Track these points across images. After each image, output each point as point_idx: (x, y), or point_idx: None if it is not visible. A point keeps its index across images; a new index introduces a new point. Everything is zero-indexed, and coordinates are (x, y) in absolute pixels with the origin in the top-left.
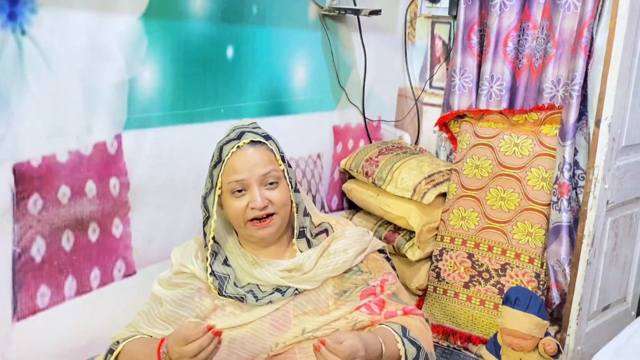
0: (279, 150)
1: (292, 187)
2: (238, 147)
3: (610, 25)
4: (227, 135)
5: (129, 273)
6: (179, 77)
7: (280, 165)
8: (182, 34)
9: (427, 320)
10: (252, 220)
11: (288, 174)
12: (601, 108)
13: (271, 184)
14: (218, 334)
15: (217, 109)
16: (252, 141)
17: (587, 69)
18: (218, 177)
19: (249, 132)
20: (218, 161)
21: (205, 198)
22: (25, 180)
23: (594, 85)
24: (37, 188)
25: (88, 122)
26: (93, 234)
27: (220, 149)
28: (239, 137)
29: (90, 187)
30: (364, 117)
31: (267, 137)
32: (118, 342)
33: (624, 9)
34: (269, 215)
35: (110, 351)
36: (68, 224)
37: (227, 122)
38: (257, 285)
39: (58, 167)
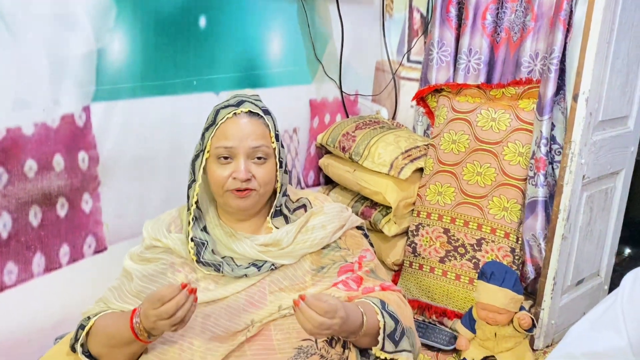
0: (275, 127)
1: (280, 167)
2: (235, 113)
3: None
4: (227, 101)
5: (100, 249)
6: (149, 48)
7: (273, 142)
8: (152, 2)
9: (405, 297)
10: (231, 190)
11: (279, 154)
12: (579, 82)
13: (259, 158)
14: (193, 291)
15: (190, 80)
16: (250, 111)
17: (565, 43)
18: (208, 140)
19: (249, 102)
20: (212, 124)
21: (194, 161)
22: None
23: (572, 59)
24: (2, 162)
25: (54, 93)
26: (62, 209)
27: (217, 112)
28: (238, 104)
29: (58, 160)
30: (341, 91)
31: (267, 112)
32: (89, 318)
33: None
34: (247, 189)
35: (82, 327)
36: (35, 199)
37: (199, 95)
38: (233, 259)
39: (24, 140)
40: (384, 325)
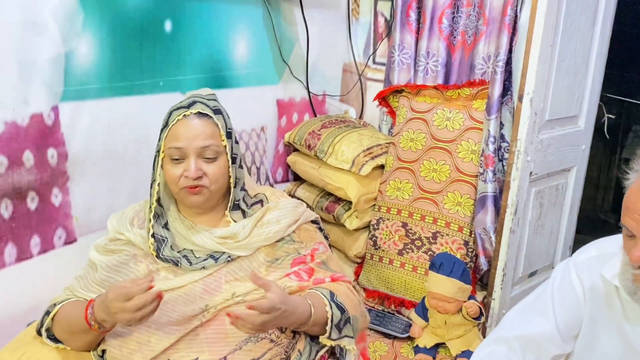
0: (226, 126)
1: (233, 163)
2: (185, 115)
3: (532, 2)
4: (181, 102)
5: (70, 241)
6: (116, 50)
7: (223, 140)
8: (118, 7)
9: (355, 287)
10: (184, 187)
11: (232, 150)
12: (524, 83)
13: (209, 157)
14: (160, 296)
15: (156, 81)
16: (199, 112)
17: (511, 46)
18: (162, 141)
19: (200, 102)
20: (165, 125)
21: (154, 160)
22: None
23: (518, 62)
24: None
25: (24, 94)
26: (32, 203)
27: (170, 114)
28: (189, 106)
29: (28, 157)
30: (308, 92)
31: (217, 112)
32: (55, 305)
33: None
34: (199, 186)
35: (47, 313)
36: (6, 193)
37: (166, 95)
38: (192, 251)
39: None
40: (332, 316)
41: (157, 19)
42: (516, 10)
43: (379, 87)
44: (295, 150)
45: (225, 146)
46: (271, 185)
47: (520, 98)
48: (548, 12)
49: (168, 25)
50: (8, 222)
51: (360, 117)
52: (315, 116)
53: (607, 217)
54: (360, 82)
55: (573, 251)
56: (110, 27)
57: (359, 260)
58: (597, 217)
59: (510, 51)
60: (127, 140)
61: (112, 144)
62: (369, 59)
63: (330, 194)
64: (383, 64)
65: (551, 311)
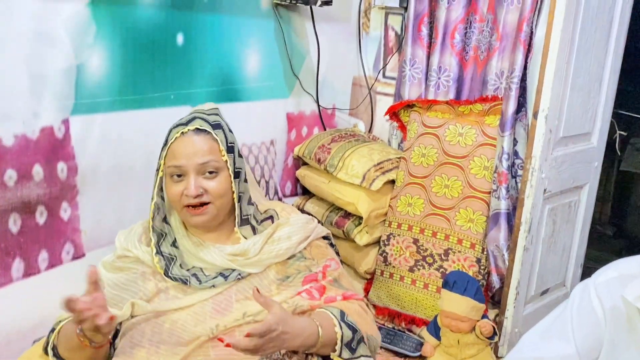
0: (226, 140)
1: (237, 177)
2: (182, 132)
3: (548, 19)
4: (181, 119)
5: (78, 255)
6: (127, 63)
7: (224, 155)
8: (130, 20)
9: (367, 305)
10: (187, 206)
11: (234, 165)
12: (539, 100)
13: (210, 172)
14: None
15: (167, 95)
16: (197, 128)
17: (526, 62)
18: (162, 159)
19: (200, 118)
20: (164, 144)
21: (154, 178)
22: None
23: (533, 78)
24: None
25: (34, 107)
26: (41, 217)
27: (169, 132)
28: (188, 122)
29: (37, 170)
30: (318, 105)
31: (217, 126)
32: (60, 322)
33: (561, 4)
34: (203, 204)
35: (53, 330)
36: (15, 207)
37: (177, 109)
38: (202, 269)
39: (4, 151)
40: (342, 336)
41: (169, 32)
42: (532, 26)
43: (389, 101)
44: (305, 164)
45: (226, 161)
46: (280, 199)
47: (535, 115)
48: (564, 29)
49: (180, 38)
50: (16, 237)
51: (370, 131)
52: (325, 130)
53: (604, 229)
54: (370, 96)
55: (584, 268)
56: (122, 39)
57: (368, 277)
58: (594, 230)
59: (525, 67)
60: (137, 154)
61: (122, 158)
62: (379, 73)
63: (339, 209)
64: (393, 78)
65: (571, 334)
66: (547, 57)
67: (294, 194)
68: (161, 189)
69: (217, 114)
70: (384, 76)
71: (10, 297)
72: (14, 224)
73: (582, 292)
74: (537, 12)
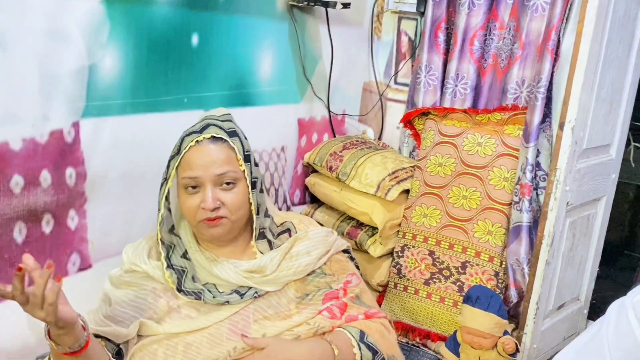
0: (243, 149)
1: (254, 188)
2: (197, 141)
3: (577, 28)
4: (193, 126)
5: (84, 267)
6: (141, 64)
7: (241, 165)
8: (145, 19)
9: (390, 323)
10: (203, 219)
11: (251, 175)
12: (565, 111)
13: (228, 184)
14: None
15: (180, 98)
16: (213, 137)
17: (552, 72)
18: (173, 169)
19: (214, 125)
20: (176, 153)
21: (160, 188)
22: None
23: (558, 88)
24: None
25: (44, 108)
26: (47, 226)
27: (182, 140)
28: (202, 130)
29: (45, 176)
30: (329, 111)
31: (233, 134)
32: None
33: (591, 13)
34: (219, 217)
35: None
36: (20, 215)
37: (190, 112)
38: (215, 285)
39: (11, 155)
40: (361, 357)
41: (185, 32)
42: (559, 35)
43: (400, 108)
44: (314, 171)
45: (243, 171)
46: (288, 208)
47: (562, 126)
48: (594, 38)
49: (195, 39)
50: (21, 247)
51: (380, 138)
52: (335, 136)
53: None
54: (381, 102)
55: (598, 283)
56: (137, 39)
57: (380, 289)
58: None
59: (551, 77)
60: (148, 161)
61: (132, 164)
62: (390, 79)
63: (351, 219)
64: (405, 85)
65: (607, 354)
66: (575, 67)
67: (302, 202)
68: (166, 199)
69: (230, 120)
70: (395, 82)
71: (14, 310)
72: (19, 233)
73: (618, 310)
74: (565, 21)
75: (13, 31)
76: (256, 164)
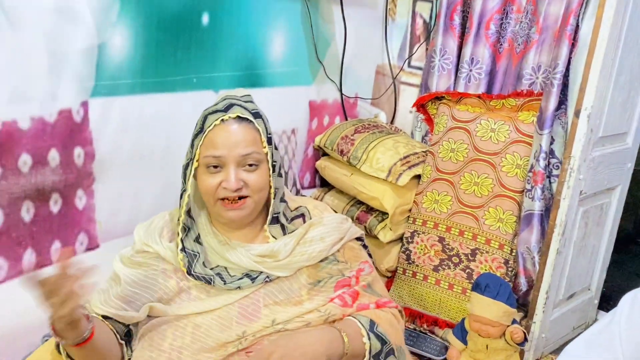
0: (266, 130)
1: (274, 171)
2: (222, 120)
3: (597, 13)
4: (215, 105)
5: (92, 247)
6: (150, 44)
7: (265, 147)
8: None
9: (401, 313)
10: (222, 199)
11: (272, 157)
12: (582, 98)
13: (250, 165)
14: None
15: (190, 78)
16: (239, 117)
17: (570, 57)
18: (197, 148)
19: (238, 105)
20: (200, 131)
21: (185, 168)
22: None
23: (575, 74)
24: None
25: (53, 87)
26: (55, 205)
27: (205, 118)
28: (226, 109)
29: (53, 156)
30: (341, 94)
31: (257, 115)
32: None
33: None
34: (241, 198)
35: None
36: (28, 194)
37: (199, 93)
38: (226, 268)
39: (19, 134)
40: (370, 347)
41: (195, 10)
42: (578, 20)
43: (413, 92)
44: (325, 154)
45: (266, 153)
46: (298, 191)
47: (577, 113)
48: (614, 24)
49: (205, 18)
50: (29, 225)
51: (392, 122)
52: (347, 119)
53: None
54: (394, 85)
55: (608, 272)
56: (147, 17)
57: (389, 274)
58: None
59: (568, 62)
60: (156, 140)
61: (141, 144)
62: (404, 62)
63: (361, 203)
64: (419, 68)
65: (619, 346)
66: (593, 53)
67: (312, 185)
68: (194, 178)
69: (252, 101)
70: (409, 65)
71: (20, 290)
72: (27, 212)
73: (631, 303)
74: (584, 5)
75: (22, 9)
76: (276, 148)
